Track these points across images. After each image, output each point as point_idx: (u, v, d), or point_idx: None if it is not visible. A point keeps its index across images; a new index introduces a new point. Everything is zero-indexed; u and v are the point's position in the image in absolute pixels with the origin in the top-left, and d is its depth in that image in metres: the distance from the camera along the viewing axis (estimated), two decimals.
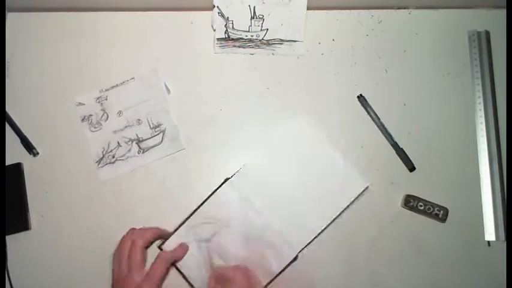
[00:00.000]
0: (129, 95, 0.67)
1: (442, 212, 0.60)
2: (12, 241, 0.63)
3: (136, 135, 0.66)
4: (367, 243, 0.61)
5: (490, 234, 0.61)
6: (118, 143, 0.65)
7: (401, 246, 0.61)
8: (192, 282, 0.60)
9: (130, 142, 0.65)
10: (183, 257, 0.60)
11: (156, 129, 0.66)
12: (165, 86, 0.66)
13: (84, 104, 0.66)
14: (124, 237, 0.60)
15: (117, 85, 0.67)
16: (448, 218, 0.61)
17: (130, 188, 0.64)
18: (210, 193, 0.62)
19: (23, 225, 0.63)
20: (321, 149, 0.64)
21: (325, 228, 0.61)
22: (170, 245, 0.60)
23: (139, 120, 0.66)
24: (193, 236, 0.61)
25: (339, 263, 0.61)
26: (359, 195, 0.62)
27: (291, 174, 0.63)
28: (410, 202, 0.61)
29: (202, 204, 0.62)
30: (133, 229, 0.61)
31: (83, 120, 0.66)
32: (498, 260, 0.60)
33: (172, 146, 0.65)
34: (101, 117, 0.66)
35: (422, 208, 0.61)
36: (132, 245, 0.58)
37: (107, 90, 0.67)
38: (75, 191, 0.64)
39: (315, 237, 0.61)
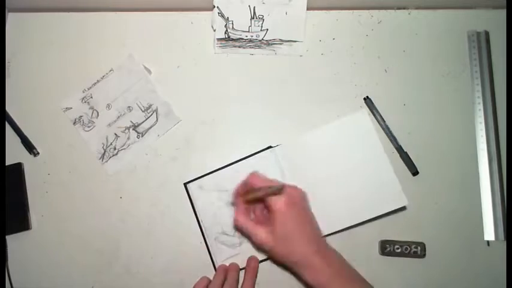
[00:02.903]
0: (112, 87, 0.67)
1: (419, 248, 0.60)
2: (12, 241, 0.63)
3: (131, 121, 0.66)
4: (367, 242, 0.62)
5: (489, 234, 0.61)
6: (115, 134, 0.66)
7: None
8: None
9: (127, 130, 0.66)
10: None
11: (148, 111, 0.66)
12: (145, 67, 0.67)
13: (71, 108, 0.67)
14: None
15: (97, 81, 0.67)
16: (447, 218, 0.62)
17: (130, 188, 0.65)
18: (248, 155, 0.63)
19: (23, 225, 0.63)
20: (372, 151, 0.61)
21: (351, 227, 0.60)
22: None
23: (129, 107, 0.66)
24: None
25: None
26: (394, 210, 0.60)
27: (332, 165, 0.61)
28: (387, 248, 0.60)
29: (240, 160, 0.63)
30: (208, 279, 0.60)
31: (74, 123, 0.66)
32: (498, 260, 0.60)
33: (169, 122, 0.66)
34: (91, 115, 0.67)
35: (399, 251, 0.60)
36: None
37: (89, 88, 0.67)
38: (75, 191, 0.65)
39: (336, 232, 0.60)
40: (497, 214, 0.61)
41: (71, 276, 0.62)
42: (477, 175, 0.63)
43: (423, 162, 0.63)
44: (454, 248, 0.61)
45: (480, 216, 0.62)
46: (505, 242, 0.60)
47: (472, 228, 0.62)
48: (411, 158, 0.63)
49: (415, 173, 0.63)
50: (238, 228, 0.60)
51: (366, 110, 0.64)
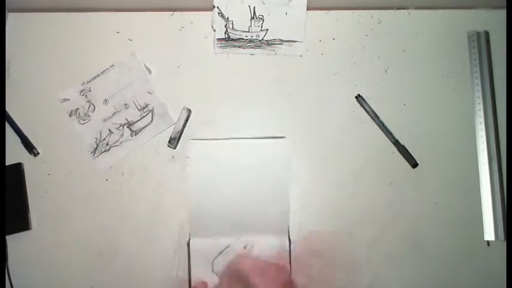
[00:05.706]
0: (111, 83, 0.67)
1: None
2: (12, 241, 0.63)
3: (126, 119, 0.66)
4: (367, 243, 0.62)
5: (489, 234, 0.61)
6: (109, 130, 0.66)
7: (401, 247, 0.62)
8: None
9: (121, 127, 0.66)
10: None
11: (145, 110, 0.66)
12: (145, 66, 0.67)
13: (69, 99, 0.67)
14: None
15: (97, 75, 0.67)
16: (447, 218, 0.62)
17: (130, 188, 0.65)
18: None
19: (23, 225, 0.63)
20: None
21: None
22: None
23: (126, 104, 0.66)
24: None
25: (339, 262, 0.61)
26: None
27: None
28: None
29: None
30: None
31: (70, 115, 0.66)
32: (497, 260, 0.60)
33: (163, 123, 0.66)
34: (88, 108, 0.67)
35: None
36: None
37: (88, 82, 0.67)
38: (75, 191, 0.64)
39: None
40: (497, 214, 0.61)
41: (70, 276, 0.62)
42: (477, 175, 0.63)
43: (423, 162, 0.63)
44: (454, 248, 0.61)
45: (480, 216, 0.62)
46: (505, 242, 0.60)
47: (472, 228, 0.62)
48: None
49: (414, 165, 0.63)
50: None
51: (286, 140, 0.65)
